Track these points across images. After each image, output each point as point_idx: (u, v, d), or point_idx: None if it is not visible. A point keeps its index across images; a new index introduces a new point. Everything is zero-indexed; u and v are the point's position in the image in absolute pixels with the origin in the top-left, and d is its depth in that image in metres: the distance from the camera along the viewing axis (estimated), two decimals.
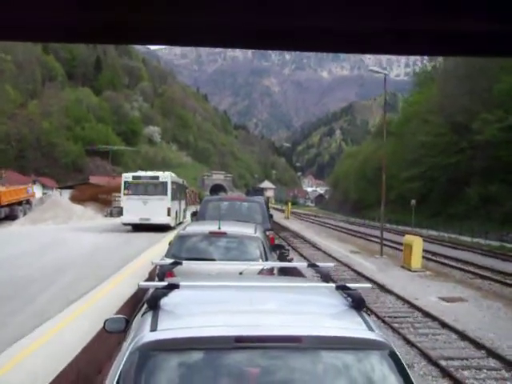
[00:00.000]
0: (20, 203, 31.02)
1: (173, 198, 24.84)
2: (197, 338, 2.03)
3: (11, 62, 69.39)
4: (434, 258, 19.29)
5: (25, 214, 31.14)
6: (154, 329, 2.13)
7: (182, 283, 2.50)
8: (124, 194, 24.30)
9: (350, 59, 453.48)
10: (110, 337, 3.85)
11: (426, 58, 62.52)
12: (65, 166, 64.56)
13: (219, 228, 6.83)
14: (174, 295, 2.43)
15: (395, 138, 48.22)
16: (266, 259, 6.58)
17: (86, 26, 0.83)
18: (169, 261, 4.43)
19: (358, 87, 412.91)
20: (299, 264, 7.08)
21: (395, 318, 9.63)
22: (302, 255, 19.29)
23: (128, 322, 3.07)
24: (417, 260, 16.04)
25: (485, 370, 6.78)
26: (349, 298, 2.51)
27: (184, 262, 3.97)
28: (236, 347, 1.99)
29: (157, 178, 24.74)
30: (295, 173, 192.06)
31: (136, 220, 23.36)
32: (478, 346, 7.76)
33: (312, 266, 3.97)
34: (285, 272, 8.23)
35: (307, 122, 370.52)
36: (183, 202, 30.27)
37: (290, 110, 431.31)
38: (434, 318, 9.49)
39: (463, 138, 37.74)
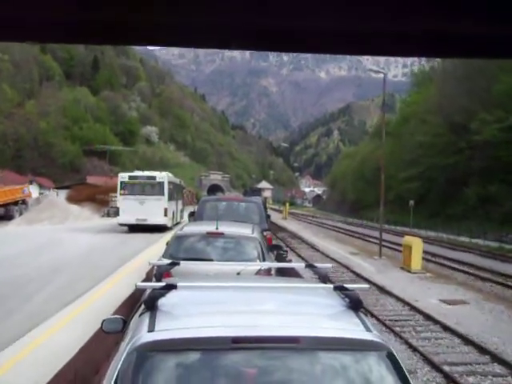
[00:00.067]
0: (16, 203, 30.97)
1: (170, 199, 24.71)
2: (194, 338, 2.02)
3: (8, 61, 69.22)
4: (433, 259, 19.18)
5: (21, 214, 31.10)
6: (151, 329, 2.13)
7: (179, 284, 2.49)
8: (120, 194, 24.04)
9: (348, 60, 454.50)
10: (107, 337, 3.84)
11: (424, 58, 62.57)
12: (62, 166, 64.42)
13: (217, 228, 6.83)
14: (171, 296, 2.42)
15: (393, 138, 48.18)
16: (264, 260, 6.58)
17: (86, 26, 0.83)
18: (166, 261, 4.43)
19: (356, 88, 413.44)
20: (297, 264, 7.09)
21: (396, 321, 9.46)
22: (300, 256, 19.24)
23: (125, 323, 3.07)
24: (417, 261, 15.96)
25: (490, 377, 6.63)
26: (346, 299, 2.50)
27: (181, 262, 3.94)
28: (233, 348, 1.98)
29: (153, 178, 24.57)
30: (293, 173, 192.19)
31: (132, 220, 23.15)
32: (482, 350, 7.61)
33: (310, 266, 3.97)
34: (282, 273, 8.23)
35: (305, 123, 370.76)
36: (180, 203, 30.19)
37: (287, 111, 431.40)
38: (435, 322, 9.33)
39: (461, 139, 37.68)
